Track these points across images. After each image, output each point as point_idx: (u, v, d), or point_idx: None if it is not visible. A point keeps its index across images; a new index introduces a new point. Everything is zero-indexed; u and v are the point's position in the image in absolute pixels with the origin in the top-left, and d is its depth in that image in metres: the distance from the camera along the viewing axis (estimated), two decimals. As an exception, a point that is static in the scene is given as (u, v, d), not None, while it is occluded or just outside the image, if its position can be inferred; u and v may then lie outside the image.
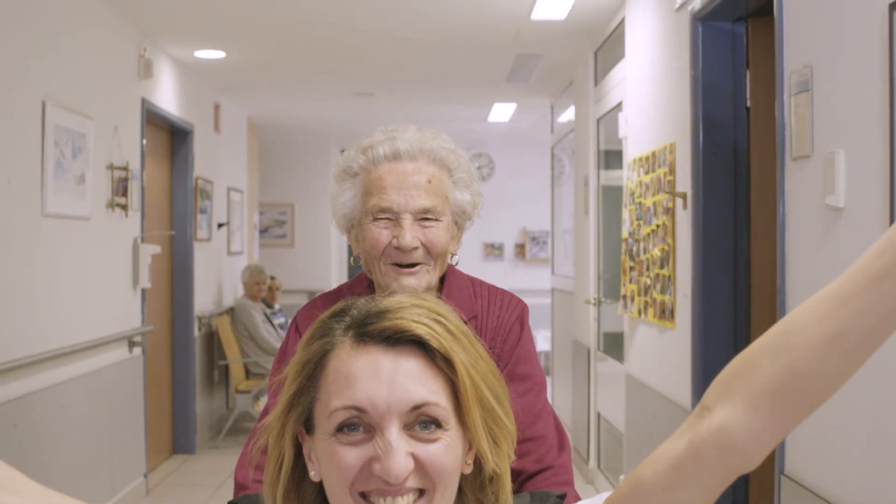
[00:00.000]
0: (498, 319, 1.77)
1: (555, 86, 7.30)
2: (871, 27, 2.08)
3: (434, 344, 0.99)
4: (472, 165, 1.81)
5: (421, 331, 0.99)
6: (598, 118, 5.71)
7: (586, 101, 6.02)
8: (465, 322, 1.05)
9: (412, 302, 1.02)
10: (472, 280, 1.84)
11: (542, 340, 10.30)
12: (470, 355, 1.01)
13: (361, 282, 1.85)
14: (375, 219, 1.71)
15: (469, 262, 11.59)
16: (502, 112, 8.81)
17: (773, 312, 2.90)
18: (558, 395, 7.61)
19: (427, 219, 1.71)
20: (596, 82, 5.78)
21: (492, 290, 1.83)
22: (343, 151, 1.83)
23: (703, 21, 3.48)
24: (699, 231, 3.49)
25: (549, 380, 8.57)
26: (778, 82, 2.66)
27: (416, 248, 1.69)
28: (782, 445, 2.65)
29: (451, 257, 1.80)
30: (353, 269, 9.84)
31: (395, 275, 1.71)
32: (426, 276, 1.72)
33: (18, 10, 3.97)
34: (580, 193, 6.26)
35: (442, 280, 1.80)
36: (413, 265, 1.71)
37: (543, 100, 8.00)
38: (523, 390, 1.72)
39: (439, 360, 0.99)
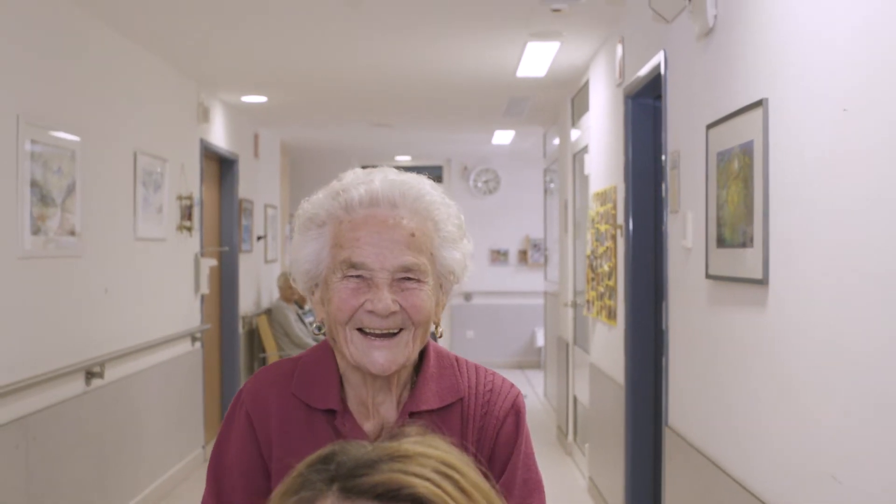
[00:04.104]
0: (488, 405, 1.53)
1: (545, 118, 8.52)
2: (699, 137, 3.29)
3: None
4: (462, 218, 1.54)
5: (423, 489, 0.79)
6: (574, 153, 6.92)
7: (566, 139, 7.24)
8: (485, 475, 0.87)
9: (416, 450, 0.83)
10: (457, 358, 1.58)
11: (539, 337, 11.53)
12: None
13: (324, 352, 1.54)
14: (345, 276, 1.44)
15: (476, 267, 12.72)
16: (503, 137, 10.03)
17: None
18: (549, 383, 8.83)
19: (408, 279, 1.44)
20: (573, 122, 6.98)
21: (479, 369, 1.57)
22: (310, 198, 1.54)
23: (633, 98, 4.68)
24: (629, 254, 4.70)
25: (539, 373, 9.79)
26: (664, 158, 3.88)
27: (393, 313, 1.43)
28: (666, 401, 3.86)
29: (434, 329, 1.53)
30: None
31: (365, 345, 1.44)
32: (405, 350, 1.46)
33: (110, 81, 5.21)
34: (562, 214, 7.48)
35: (421, 355, 1.54)
36: (388, 334, 1.44)
37: (537, 128, 9.22)
38: (521, 498, 1.52)
39: None
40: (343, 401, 1.51)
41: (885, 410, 1.96)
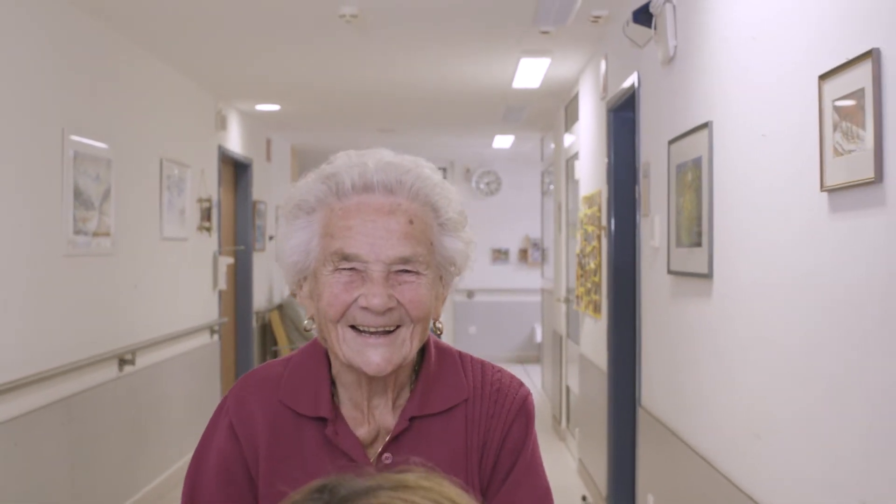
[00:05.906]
0: (495, 407, 1.42)
1: (542, 124, 9.00)
2: (663, 151, 3.77)
3: None
4: (462, 204, 1.43)
5: None
6: (567, 159, 7.40)
7: (560, 144, 7.73)
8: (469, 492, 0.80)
9: (417, 482, 0.75)
10: (461, 354, 1.48)
11: (538, 333, 12.01)
12: None
13: (314, 352, 1.43)
14: (337, 269, 1.32)
15: (478, 265, 13.27)
16: (503, 141, 10.52)
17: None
18: (546, 374, 9.32)
19: (406, 271, 1.33)
20: (567, 129, 7.46)
21: (485, 367, 1.47)
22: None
23: (614, 111, 5.16)
24: (611, 253, 5.18)
25: (538, 367, 10.27)
26: (637, 167, 4.36)
27: (390, 310, 1.32)
28: (639, 384, 4.34)
29: (433, 324, 1.43)
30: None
31: (359, 344, 1.33)
32: (402, 348, 1.34)
33: (140, 96, 5.71)
34: (556, 215, 7.97)
35: (422, 353, 1.43)
36: (384, 332, 1.33)
37: (535, 133, 9.70)
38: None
39: None
40: (335, 407, 1.39)
41: (795, 380, 2.44)
